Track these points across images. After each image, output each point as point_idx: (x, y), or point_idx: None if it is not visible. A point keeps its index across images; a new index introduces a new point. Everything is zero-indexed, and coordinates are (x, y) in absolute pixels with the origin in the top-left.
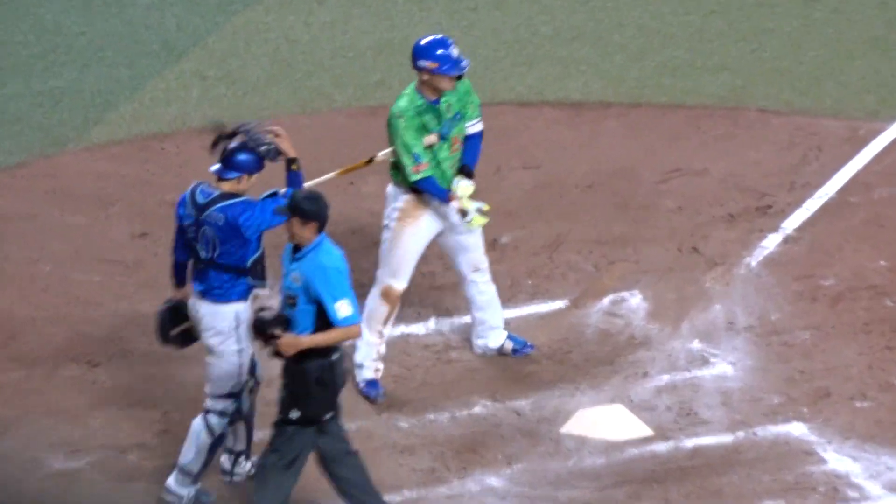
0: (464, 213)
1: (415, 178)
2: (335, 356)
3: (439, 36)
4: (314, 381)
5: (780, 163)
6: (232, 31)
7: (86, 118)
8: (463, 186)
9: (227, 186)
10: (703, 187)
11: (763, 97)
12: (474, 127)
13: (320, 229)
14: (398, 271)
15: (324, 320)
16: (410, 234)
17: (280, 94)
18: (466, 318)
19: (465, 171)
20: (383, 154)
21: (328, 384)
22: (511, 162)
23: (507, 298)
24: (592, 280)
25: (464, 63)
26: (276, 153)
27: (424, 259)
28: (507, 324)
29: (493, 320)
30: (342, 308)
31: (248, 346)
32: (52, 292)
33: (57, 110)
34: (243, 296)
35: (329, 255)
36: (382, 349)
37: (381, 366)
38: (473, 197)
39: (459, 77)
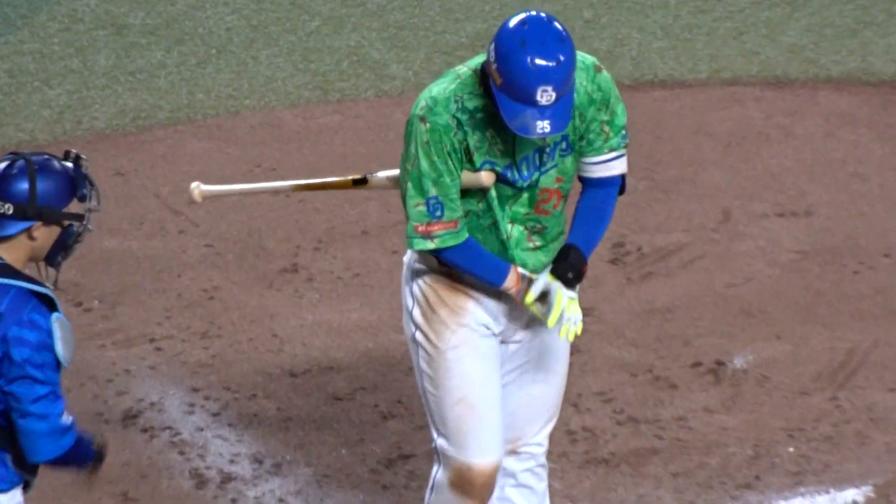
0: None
1: (418, 244)
2: None
3: (543, 40)
4: None
5: None
6: None
7: None
8: (554, 292)
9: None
10: None
11: None
12: (608, 166)
13: None
14: (473, 439)
15: None
16: (471, 367)
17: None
18: None
19: (570, 261)
20: (385, 176)
21: None
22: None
23: None
24: None
25: (539, 126)
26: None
27: None
28: None
29: None
30: None
31: None
32: None
33: None
34: None
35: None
36: None
37: None
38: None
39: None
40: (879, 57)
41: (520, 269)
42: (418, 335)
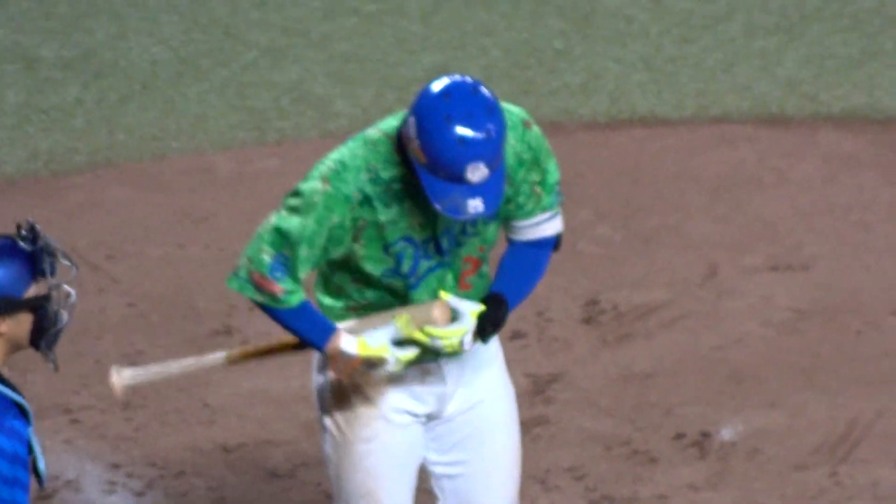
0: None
1: (244, 287)
2: None
3: (470, 111)
4: None
5: None
6: None
7: None
8: (459, 312)
9: None
10: None
11: None
12: (540, 228)
13: None
14: None
15: None
16: (382, 463)
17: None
18: None
19: (497, 316)
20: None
21: None
22: None
23: None
24: None
25: (472, 206)
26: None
27: None
28: None
29: None
30: None
31: None
32: None
33: None
34: None
35: None
36: None
37: None
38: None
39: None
40: (887, 91)
41: (346, 343)
42: (327, 421)
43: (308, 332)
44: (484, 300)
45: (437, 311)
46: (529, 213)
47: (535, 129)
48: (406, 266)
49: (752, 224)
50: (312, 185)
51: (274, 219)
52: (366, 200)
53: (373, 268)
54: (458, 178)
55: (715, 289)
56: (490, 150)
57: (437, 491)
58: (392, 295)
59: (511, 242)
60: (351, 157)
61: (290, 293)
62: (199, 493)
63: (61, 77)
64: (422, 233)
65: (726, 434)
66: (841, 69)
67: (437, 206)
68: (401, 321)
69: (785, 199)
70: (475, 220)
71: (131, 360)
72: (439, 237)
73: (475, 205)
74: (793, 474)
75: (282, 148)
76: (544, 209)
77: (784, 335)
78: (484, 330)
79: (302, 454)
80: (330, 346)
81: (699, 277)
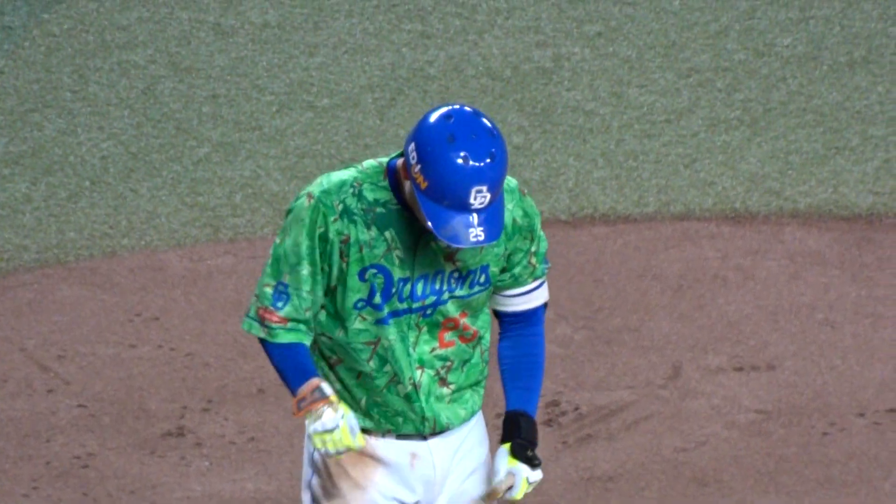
0: None
1: (252, 326)
2: None
3: (474, 132)
4: None
5: None
6: None
7: None
8: (518, 478)
9: None
10: None
11: None
12: (531, 297)
13: None
14: None
15: None
16: None
17: None
18: None
19: (525, 435)
20: None
21: None
22: None
23: None
24: None
25: (473, 234)
26: None
27: None
28: None
29: None
30: None
31: None
32: None
33: None
34: None
35: None
36: None
37: None
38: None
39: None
40: (853, 188)
41: (325, 386)
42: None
43: (290, 372)
44: (509, 422)
45: None
46: (523, 283)
47: (530, 198)
48: (377, 298)
49: (716, 323)
50: (300, 202)
51: (272, 251)
52: (346, 213)
53: (350, 298)
54: (461, 204)
55: (678, 389)
56: (494, 174)
57: None
58: (369, 378)
59: (503, 327)
60: (337, 175)
61: (294, 325)
62: None
63: (9, 173)
64: (400, 270)
65: None
66: (805, 165)
67: (438, 234)
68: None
69: (749, 298)
70: (463, 283)
71: (82, 463)
72: (415, 281)
73: (476, 233)
74: None
75: (235, 245)
76: (536, 277)
77: (749, 437)
78: (531, 460)
79: None
80: (305, 387)
81: (662, 378)
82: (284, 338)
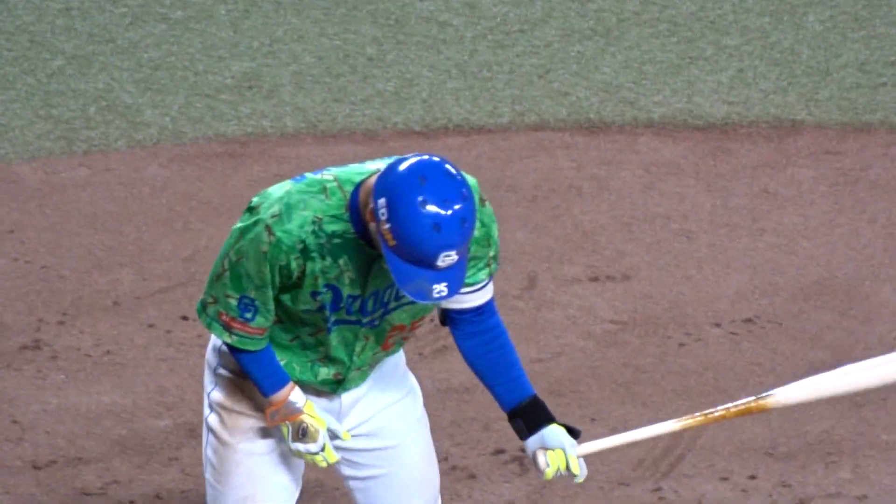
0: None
1: (215, 329)
2: None
3: (445, 197)
4: None
5: None
6: None
7: None
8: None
9: None
10: None
11: None
12: (484, 291)
13: None
14: None
15: None
16: (263, 466)
17: None
18: None
19: (546, 412)
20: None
21: None
22: None
23: None
24: None
25: (436, 290)
26: None
27: None
28: None
29: None
30: None
31: None
32: None
33: None
34: None
35: None
36: None
37: None
38: None
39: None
40: (707, 97)
41: (296, 395)
42: (212, 419)
43: (263, 378)
44: (521, 410)
45: None
46: (478, 282)
47: (488, 206)
48: (326, 311)
49: (571, 233)
50: (258, 231)
51: (227, 262)
52: (305, 251)
53: (299, 305)
54: (428, 265)
55: (534, 300)
56: (463, 238)
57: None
58: (308, 337)
59: (460, 324)
60: (299, 203)
61: (264, 335)
62: None
63: None
64: (351, 288)
65: None
66: (660, 75)
67: (403, 289)
68: None
69: (604, 208)
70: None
71: None
72: (366, 298)
73: (440, 290)
74: (615, 490)
75: (89, 158)
76: (490, 274)
77: (605, 347)
78: (572, 431)
79: (113, 471)
80: (278, 396)
81: (517, 289)
82: (252, 346)
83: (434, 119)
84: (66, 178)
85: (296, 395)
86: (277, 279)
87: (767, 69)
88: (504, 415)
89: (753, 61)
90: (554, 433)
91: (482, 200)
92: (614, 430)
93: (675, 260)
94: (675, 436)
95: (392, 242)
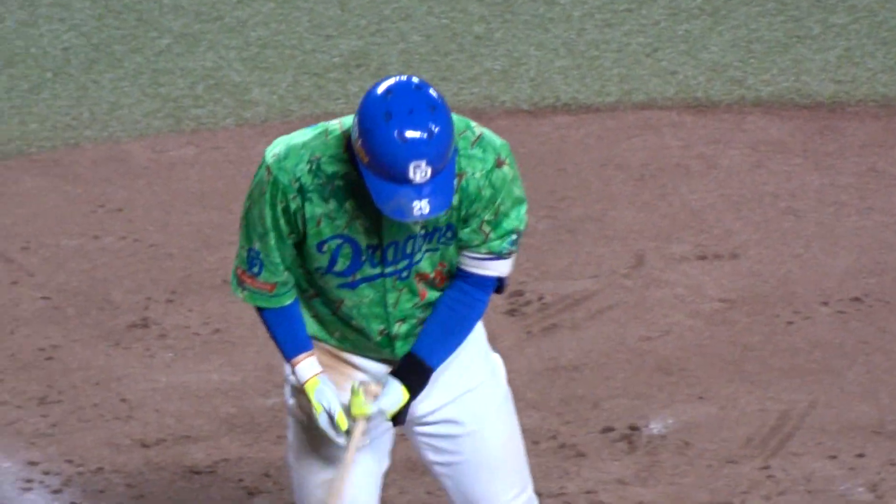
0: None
1: (234, 286)
2: None
3: (411, 108)
4: None
5: None
6: None
7: None
8: (373, 398)
9: None
10: None
11: None
12: (484, 264)
13: None
14: None
15: None
16: (327, 448)
17: None
18: None
19: (410, 367)
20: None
21: None
22: None
23: None
24: None
25: (417, 207)
26: None
27: None
28: None
29: None
30: None
31: None
32: None
33: None
34: None
35: None
36: None
37: None
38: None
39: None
40: (815, 76)
41: (303, 368)
42: (293, 403)
43: (282, 340)
44: (404, 366)
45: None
46: (476, 249)
47: (506, 170)
48: (341, 265)
49: (679, 212)
50: (261, 172)
51: (243, 212)
52: (302, 191)
53: (310, 263)
54: (402, 179)
55: (642, 279)
56: (432, 149)
57: (444, 488)
58: (327, 306)
59: (453, 280)
60: (299, 144)
61: (276, 291)
62: (117, 491)
63: None
64: (367, 238)
65: (655, 427)
66: (768, 53)
67: (383, 209)
68: (356, 400)
69: (712, 187)
70: (431, 237)
71: (46, 355)
72: (385, 247)
73: (420, 206)
74: (724, 468)
75: (197, 136)
76: (490, 251)
77: (713, 326)
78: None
79: (222, 450)
80: (295, 361)
81: (625, 267)
82: (264, 303)
83: (542, 98)
84: (175, 157)
85: (304, 367)
86: (283, 224)
87: (875, 48)
88: (614, 394)
89: (861, 40)
90: (394, 386)
91: (500, 163)
92: (722, 409)
93: (783, 238)
94: (782, 415)
95: (365, 159)
